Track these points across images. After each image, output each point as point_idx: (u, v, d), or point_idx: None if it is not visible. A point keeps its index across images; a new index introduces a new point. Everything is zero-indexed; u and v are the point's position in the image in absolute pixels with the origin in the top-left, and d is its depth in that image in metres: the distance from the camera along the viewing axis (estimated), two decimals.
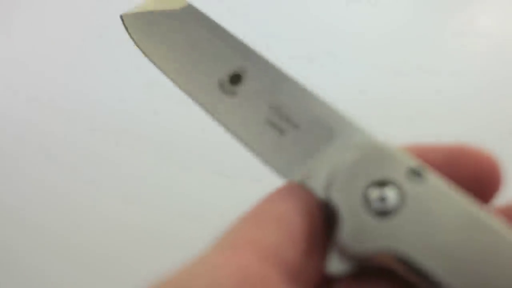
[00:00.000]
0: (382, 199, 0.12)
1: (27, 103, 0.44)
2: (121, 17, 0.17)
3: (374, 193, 0.12)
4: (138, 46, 0.16)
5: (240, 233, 0.12)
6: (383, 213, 0.12)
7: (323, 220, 0.13)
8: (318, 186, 0.13)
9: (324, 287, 0.13)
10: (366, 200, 0.12)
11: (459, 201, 0.12)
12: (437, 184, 0.12)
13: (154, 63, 0.16)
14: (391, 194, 0.12)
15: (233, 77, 0.15)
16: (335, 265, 0.13)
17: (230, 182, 0.38)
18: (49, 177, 0.41)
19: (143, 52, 0.16)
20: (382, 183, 0.13)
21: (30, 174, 0.41)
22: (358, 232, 0.12)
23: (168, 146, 0.41)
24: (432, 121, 0.40)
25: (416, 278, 0.12)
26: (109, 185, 0.40)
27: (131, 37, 0.16)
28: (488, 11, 0.47)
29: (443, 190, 0.12)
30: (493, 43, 0.45)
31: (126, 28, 0.17)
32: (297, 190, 0.13)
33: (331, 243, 0.13)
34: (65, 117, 0.43)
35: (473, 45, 0.45)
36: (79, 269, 0.37)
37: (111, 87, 0.45)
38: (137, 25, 0.17)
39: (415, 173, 0.13)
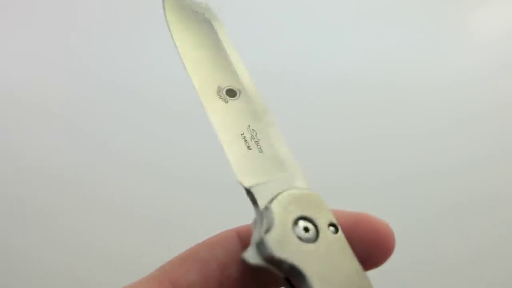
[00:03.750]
0: (306, 229, 0.16)
1: None
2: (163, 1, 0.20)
3: (302, 224, 0.16)
4: (168, 26, 0.19)
5: (168, 270, 0.15)
6: (304, 239, 0.16)
7: (239, 270, 0.16)
8: (263, 198, 0.16)
9: None
10: (295, 224, 0.16)
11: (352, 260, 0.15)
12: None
13: (176, 45, 0.19)
14: (312, 229, 0.16)
15: (229, 90, 0.18)
16: None
17: None
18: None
19: (171, 32, 0.19)
20: (309, 219, 0.16)
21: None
22: (282, 240, 0.15)
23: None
24: None
25: None
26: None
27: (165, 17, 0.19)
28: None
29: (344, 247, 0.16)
30: None
31: (164, 9, 0.19)
32: (223, 242, 0.16)
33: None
34: None
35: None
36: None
37: None
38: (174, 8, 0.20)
39: (332, 226, 0.16)
